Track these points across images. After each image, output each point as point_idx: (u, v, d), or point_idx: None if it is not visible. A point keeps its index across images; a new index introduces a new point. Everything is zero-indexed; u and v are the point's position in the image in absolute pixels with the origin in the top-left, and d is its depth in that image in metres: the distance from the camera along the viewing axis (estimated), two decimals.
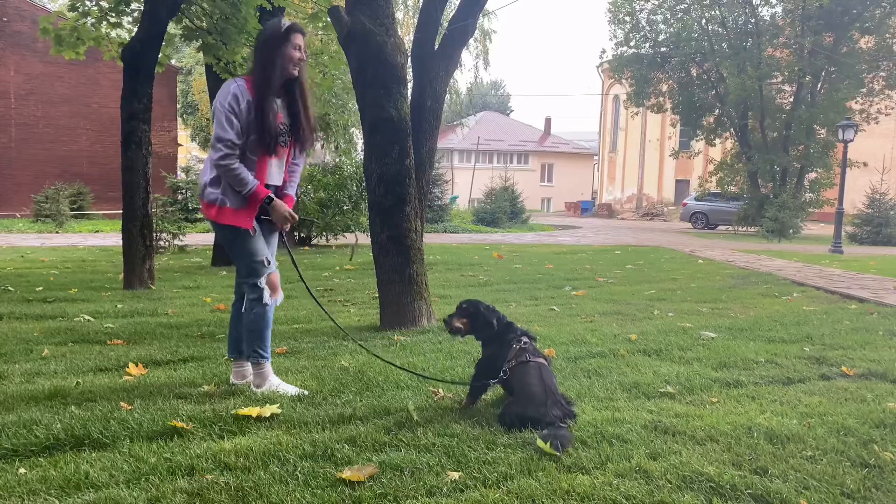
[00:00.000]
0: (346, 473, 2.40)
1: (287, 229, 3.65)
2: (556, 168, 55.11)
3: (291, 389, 3.48)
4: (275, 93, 3.39)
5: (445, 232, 21.58)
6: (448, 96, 21.63)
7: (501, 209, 26.40)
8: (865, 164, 24.04)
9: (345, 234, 14.63)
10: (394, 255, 5.35)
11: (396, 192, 5.32)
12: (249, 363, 3.58)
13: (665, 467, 2.50)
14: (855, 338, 5.17)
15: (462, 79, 52.32)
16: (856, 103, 24.68)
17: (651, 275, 10.02)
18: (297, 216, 3.60)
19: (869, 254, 16.73)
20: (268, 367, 3.54)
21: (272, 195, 3.43)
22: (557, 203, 52.41)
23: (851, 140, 18.22)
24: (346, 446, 2.68)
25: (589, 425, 3.00)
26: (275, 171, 3.53)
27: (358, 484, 2.35)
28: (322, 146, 16.59)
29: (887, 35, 24.27)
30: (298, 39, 3.45)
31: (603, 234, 23.05)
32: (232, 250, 3.51)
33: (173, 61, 27.13)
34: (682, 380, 3.85)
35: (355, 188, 14.07)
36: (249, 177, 3.32)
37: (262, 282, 3.47)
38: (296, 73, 3.45)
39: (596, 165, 55.50)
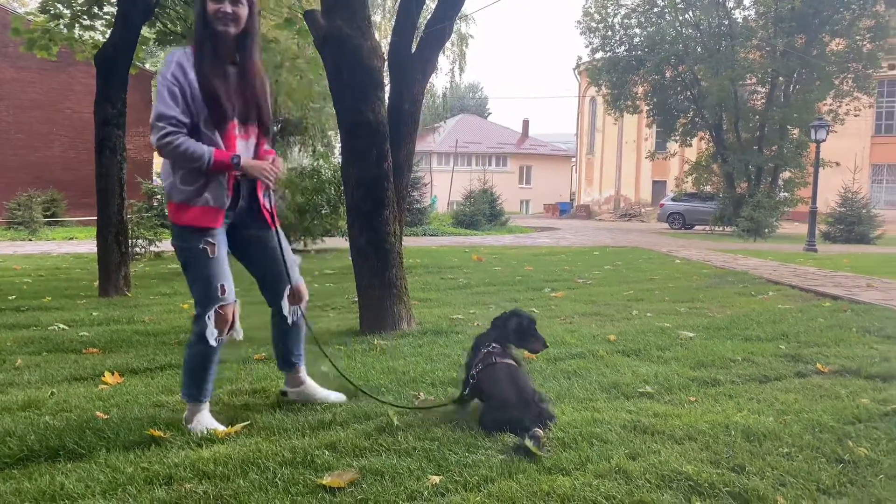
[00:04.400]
0: (327, 480, 2.39)
1: (273, 184, 3.04)
2: (534, 170, 55.39)
3: (221, 427, 3.00)
4: (211, 55, 2.87)
5: (425, 235, 21.56)
6: (426, 99, 21.66)
7: (480, 212, 26.45)
8: (838, 164, 24.44)
9: (323, 238, 14.57)
10: (373, 260, 5.34)
11: (375, 195, 5.30)
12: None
13: (644, 467, 2.52)
14: (829, 335, 5.25)
15: (439, 82, 52.45)
16: (824, 104, 25.12)
17: (629, 275, 10.09)
18: (278, 168, 3.04)
19: (842, 252, 17.00)
20: (203, 407, 3.04)
21: (238, 154, 2.88)
22: (536, 205, 52.69)
23: (824, 140, 18.54)
24: (327, 452, 2.67)
25: (569, 426, 3.00)
26: (245, 154, 3.00)
27: (338, 490, 2.34)
28: (299, 150, 16.52)
29: (857, 37, 24.73)
30: None
31: (581, 236, 23.18)
32: (187, 271, 3.02)
33: (147, 65, 26.84)
34: (660, 379, 3.88)
35: (334, 192, 14.03)
36: (201, 146, 2.80)
37: (210, 315, 2.95)
38: (226, 29, 2.87)
39: (574, 167, 55.86)
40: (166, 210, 3.05)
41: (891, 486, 2.44)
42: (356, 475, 2.44)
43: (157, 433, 2.86)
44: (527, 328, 3.25)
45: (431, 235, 21.63)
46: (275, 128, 15.59)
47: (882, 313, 6.30)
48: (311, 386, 3.44)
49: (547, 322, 5.99)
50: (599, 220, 43.03)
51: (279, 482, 2.40)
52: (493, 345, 3.22)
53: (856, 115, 25.76)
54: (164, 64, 2.85)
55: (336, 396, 3.44)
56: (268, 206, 3.12)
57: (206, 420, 3.02)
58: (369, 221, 5.32)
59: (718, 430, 2.96)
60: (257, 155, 3.10)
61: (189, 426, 2.99)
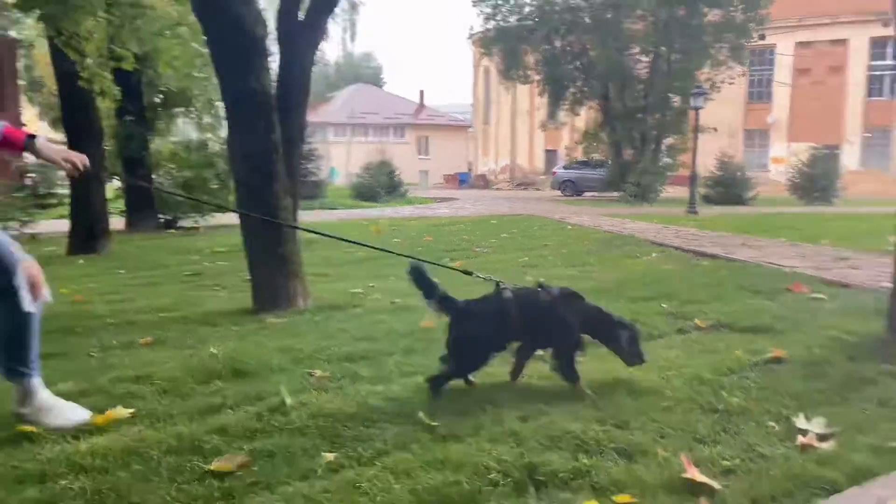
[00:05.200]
0: (215, 465, 2.31)
1: (76, 172, 2.72)
2: (432, 141, 55.45)
3: (77, 413, 2.78)
4: None
5: (322, 209, 21.19)
6: (318, 68, 21.10)
7: (379, 183, 26.29)
8: (715, 130, 25.91)
9: (213, 213, 14.03)
10: (264, 236, 5.18)
11: (264, 169, 5.13)
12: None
13: (535, 428, 2.59)
14: (707, 292, 5.55)
15: (331, 51, 51.32)
16: (702, 73, 26.49)
17: (524, 243, 10.34)
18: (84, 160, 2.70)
19: (720, 213, 18.08)
20: (34, 383, 2.80)
21: (34, 134, 2.59)
22: (435, 176, 52.85)
23: (702, 107, 19.56)
24: (216, 437, 2.57)
25: (466, 394, 3.05)
26: None
27: (228, 475, 2.27)
28: (184, 122, 15.77)
29: (731, 9, 26.10)
30: None
31: (480, 205, 23.49)
32: None
33: (12, 33, 24.70)
34: None
35: (223, 166, 13.52)
36: None
37: (19, 279, 2.65)
38: None
39: (470, 137, 56.33)
40: None
41: (760, 431, 2.62)
42: (246, 458, 2.37)
43: (30, 428, 2.67)
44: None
45: (329, 209, 21.28)
46: (158, 99, 14.80)
47: (755, 270, 6.75)
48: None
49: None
50: (497, 189, 43.74)
51: (164, 471, 2.30)
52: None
53: (730, 84, 27.29)
54: None
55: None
56: None
57: (43, 399, 2.76)
58: (259, 196, 5.14)
59: (605, 388, 3.08)
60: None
61: (22, 411, 2.72)
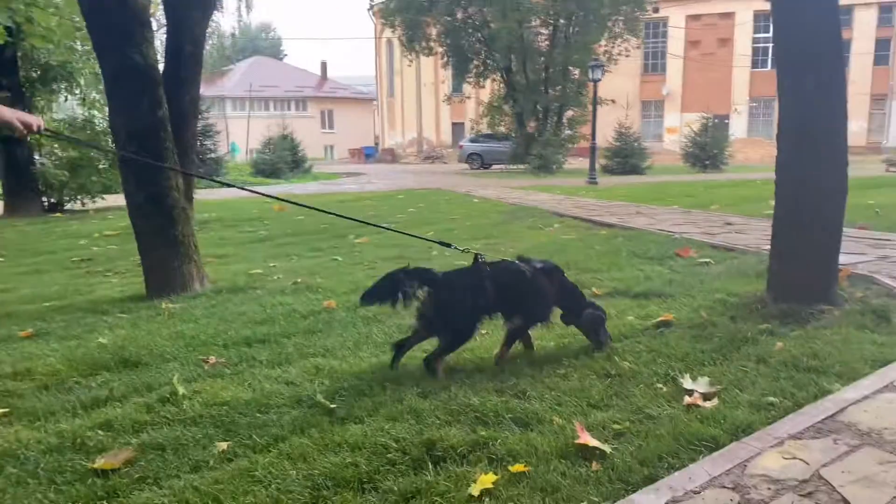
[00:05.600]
0: (99, 462, 2.20)
1: (28, 131, 2.57)
2: (336, 114, 54.37)
3: None
4: None
5: (222, 186, 20.44)
6: (212, 40, 20.23)
7: (282, 159, 25.59)
8: (614, 101, 26.65)
9: (103, 195, 13.29)
10: (154, 218, 4.94)
11: (151, 147, 4.86)
12: None
13: (435, 404, 2.60)
14: (604, 261, 5.74)
15: (226, 22, 49.40)
16: (600, 46, 27.16)
17: (431, 217, 10.35)
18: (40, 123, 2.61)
19: (618, 183, 18.69)
20: None
21: None
22: (341, 150, 51.95)
23: (600, 79, 20.05)
24: (101, 432, 2.45)
25: (366, 373, 3.02)
26: None
27: (113, 472, 2.16)
28: (66, 99, 14.76)
29: None
30: None
31: (387, 180, 23.32)
32: None
33: None
34: None
35: (111, 144, 12.79)
36: None
37: None
38: None
39: (376, 110, 55.64)
40: None
41: (649, 393, 2.73)
42: (133, 453, 2.26)
43: None
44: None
45: (230, 187, 20.54)
46: (35, 73, 13.75)
47: (648, 237, 7.02)
48: None
49: (350, 269, 5.97)
50: (405, 163, 43.52)
51: (42, 473, 2.16)
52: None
53: (627, 56, 28.14)
54: None
55: None
56: None
57: None
58: (146, 176, 4.89)
59: (505, 361, 3.13)
60: None
61: None
